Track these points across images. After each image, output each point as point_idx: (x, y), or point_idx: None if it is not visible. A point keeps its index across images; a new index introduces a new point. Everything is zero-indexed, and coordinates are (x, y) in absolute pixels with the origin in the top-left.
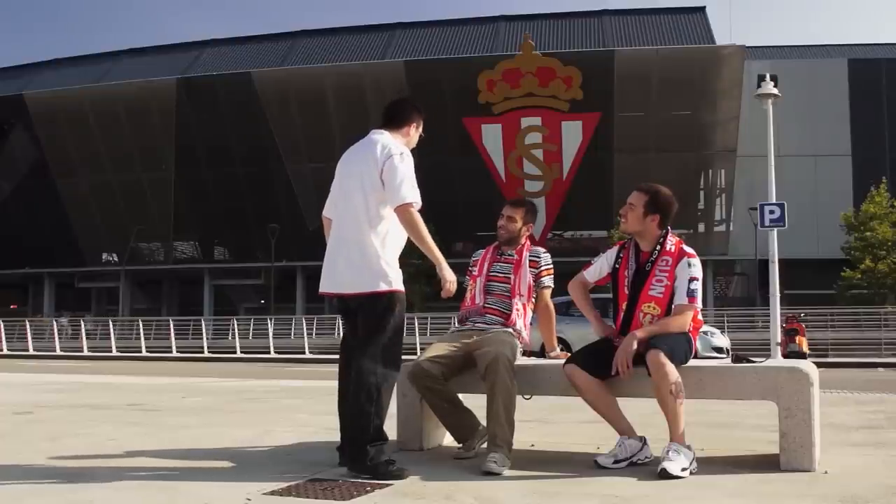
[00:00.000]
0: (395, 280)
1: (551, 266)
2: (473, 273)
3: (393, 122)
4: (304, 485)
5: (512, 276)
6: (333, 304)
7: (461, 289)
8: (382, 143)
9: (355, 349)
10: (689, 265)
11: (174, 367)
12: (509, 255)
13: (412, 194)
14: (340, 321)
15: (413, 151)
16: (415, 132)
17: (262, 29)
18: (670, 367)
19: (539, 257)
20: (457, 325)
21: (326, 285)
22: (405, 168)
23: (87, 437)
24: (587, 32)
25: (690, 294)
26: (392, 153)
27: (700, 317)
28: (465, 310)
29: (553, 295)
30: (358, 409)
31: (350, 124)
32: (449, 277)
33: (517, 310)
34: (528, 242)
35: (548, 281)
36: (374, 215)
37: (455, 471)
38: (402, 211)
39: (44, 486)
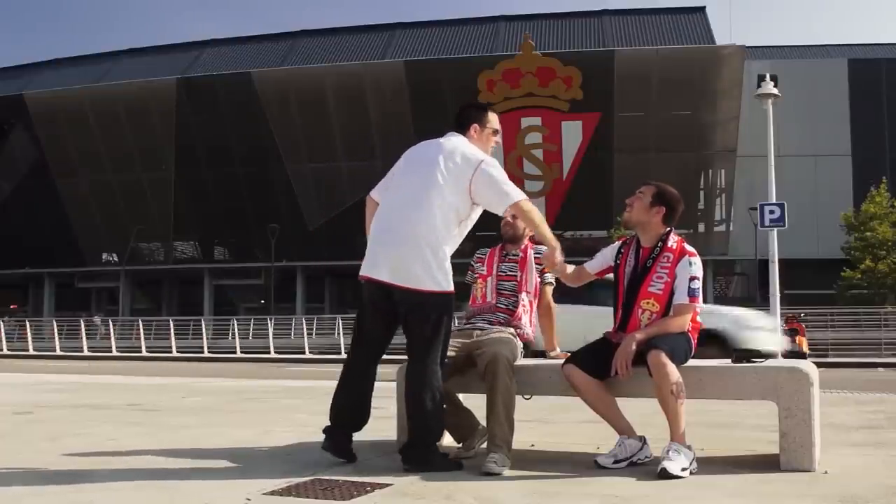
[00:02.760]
0: (451, 282)
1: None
2: (482, 273)
3: (457, 126)
4: (304, 485)
5: (518, 273)
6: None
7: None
8: (463, 150)
9: (412, 354)
10: (691, 264)
11: (174, 367)
12: (514, 254)
13: (517, 192)
14: (365, 312)
15: (483, 149)
16: (480, 132)
17: (262, 29)
18: (671, 368)
19: (542, 254)
20: (463, 322)
21: (383, 273)
22: (497, 172)
23: (87, 437)
24: (587, 32)
25: (692, 294)
26: (479, 161)
27: (699, 318)
28: (475, 307)
29: (554, 294)
30: (424, 409)
31: (350, 124)
32: (559, 259)
33: (523, 305)
34: (531, 242)
35: (550, 278)
36: (451, 219)
37: (455, 471)
38: (516, 207)
39: (44, 486)
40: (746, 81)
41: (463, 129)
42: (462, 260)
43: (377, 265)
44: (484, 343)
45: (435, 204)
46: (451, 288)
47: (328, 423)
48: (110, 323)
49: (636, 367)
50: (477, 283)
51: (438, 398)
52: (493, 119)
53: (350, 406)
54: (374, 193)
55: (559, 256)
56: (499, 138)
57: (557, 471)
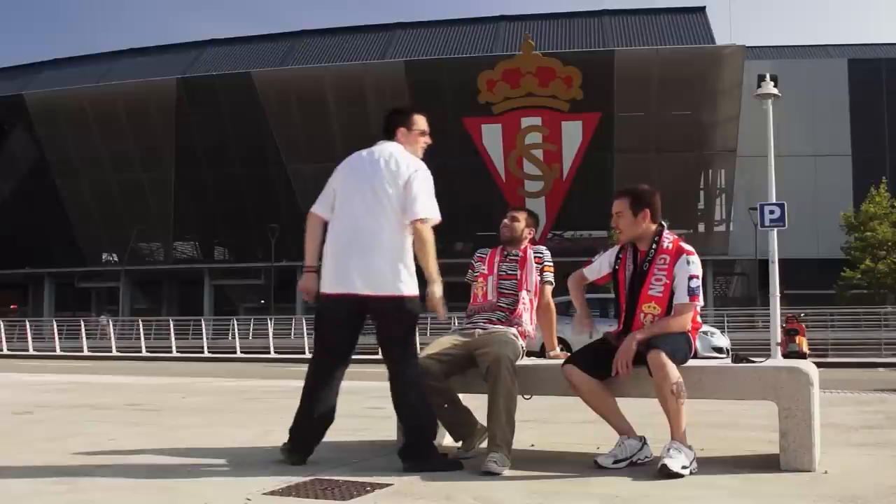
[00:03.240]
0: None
1: (552, 264)
2: (483, 272)
3: (385, 133)
4: (304, 485)
5: (518, 272)
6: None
7: (466, 287)
8: (398, 156)
9: (392, 357)
10: (688, 262)
11: (174, 367)
12: (514, 254)
13: (427, 211)
14: (327, 326)
15: (413, 151)
16: (408, 134)
17: (262, 29)
18: (672, 368)
19: (542, 253)
20: (465, 320)
21: (357, 285)
22: (424, 184)
23: (87, 437)
24: (587, 32)
25: (692, 293)
26: (415, 169)
27: (699, 318)
28: (476, 305)
29: (553, 294)
30: (413, 406)
31: (350, 124)
32: (438, 295)
33: (524, 303)
34: (531, 243)
35: (549, 277)
36: (405, 223)
37: (455, 471)
38: (414, 225)
39: (44, 486)
40: (746, 81)
41: (390, 135)
42: (463, 260)
43: (348, 278)
44: (486, 343)
45: (389, 210)
46: (417, 291)
47: (296, 436)
48: (110, 323)
49: (636, 367)
50: (478, 282)
51: (422, 391)
52: (420, 120)
53: (315, 426)
54: (319, 209)
55: (438, 293)
56: (427, 139)
57: (557, 471)
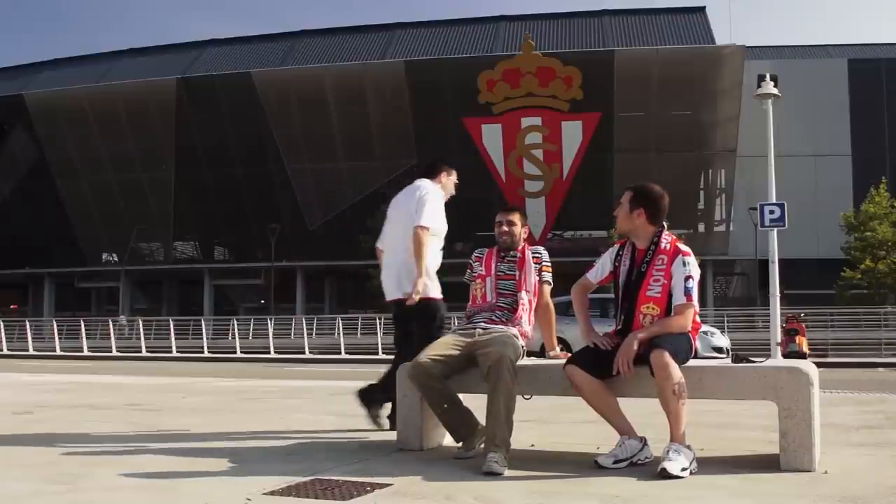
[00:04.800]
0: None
1: (550, 264)
2: (480, 272)
3: (427, 173)
4: (304, 485)
5: (517, 272)
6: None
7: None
8: (420, 186)
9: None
10: (685, 263)
11: (174, 367)
12: (512, 255)
13: (426, 220)
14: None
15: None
16: (447, 179)
17: (262, 29)
18: (674, 368)
19: (540, 254)
20: (464, 321)
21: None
22: (429, 199)
23: (87, 437)
24: (587, 32)
25: (687, 292)
26: (425, 192)
27: (698, 318)
28: (475, 306)
29: (552, 294)
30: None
31: (350, 124)
32: (419, 289)
33: (523, 304)
34: (528, 243)
35: (548, 277)
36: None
37: (455, 471)
38: (414, 229)
39: (44, 486)
40: (746, 81)
41: (430, 175)
42: (463, 260)
43: (388, 290)
44: (487, 343)
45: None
46: (439, 295)
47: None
48: (110, 323)
49: (637, 366)
50: (476, 283)
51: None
52: (454, 173)
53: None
54: (378, 244)
55: (420, 286)
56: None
57: (557, 471)
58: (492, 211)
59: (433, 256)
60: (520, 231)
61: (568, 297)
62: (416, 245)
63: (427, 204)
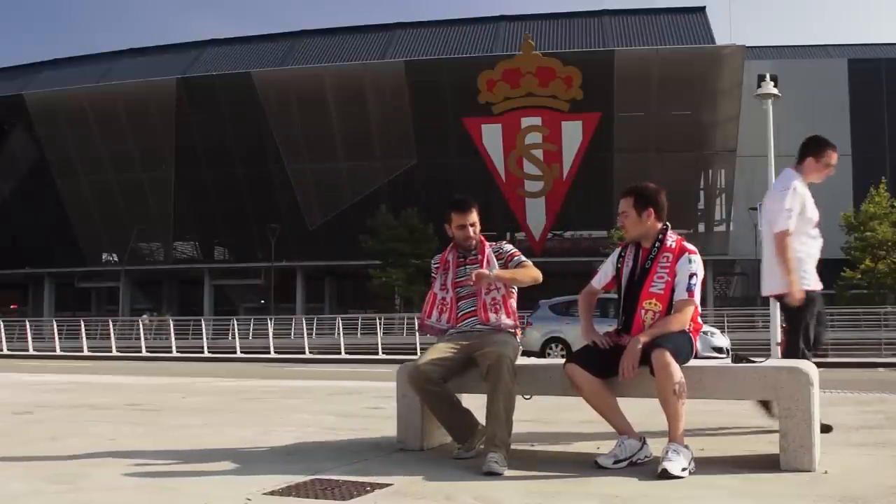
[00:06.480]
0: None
1: (514, 249)
2: (444, 283)
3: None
4: (304, 485)
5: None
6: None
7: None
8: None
9: None
10: (690, 261)
11: (174, 367)
12: (474, 255)
13: (780, 224)
14: None
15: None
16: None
17: (262, 29)
18: (675, 367)
19: (501, 249)
20: (452, 331)
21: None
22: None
23: (87, 437)
24: (587, 32)
25: (689, 289)
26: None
27: (700, 319)
28: (438, 324)
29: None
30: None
31: (350, 124)
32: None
33: (495, 302)
34: (483, 239)
35: (520, 258)
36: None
37: (455, 471)
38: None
39: (44, 486)
40: (746, 81)
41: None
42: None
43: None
44: (486, 344)
45: None
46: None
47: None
48: (110, 323)
49: (638, 366)
50: (443, 292)
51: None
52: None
53: None
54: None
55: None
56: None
57: (557, 471)
58: (492, 211)
59: (805, 245)
60: (478, 230)
61: (568, 296)
62: (780, 252)
63: (772, 206)
